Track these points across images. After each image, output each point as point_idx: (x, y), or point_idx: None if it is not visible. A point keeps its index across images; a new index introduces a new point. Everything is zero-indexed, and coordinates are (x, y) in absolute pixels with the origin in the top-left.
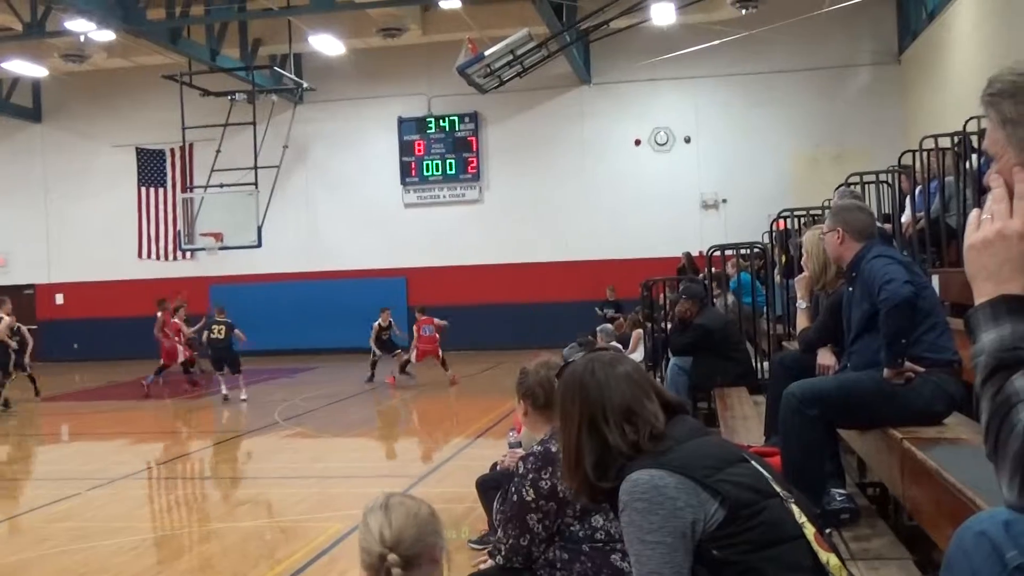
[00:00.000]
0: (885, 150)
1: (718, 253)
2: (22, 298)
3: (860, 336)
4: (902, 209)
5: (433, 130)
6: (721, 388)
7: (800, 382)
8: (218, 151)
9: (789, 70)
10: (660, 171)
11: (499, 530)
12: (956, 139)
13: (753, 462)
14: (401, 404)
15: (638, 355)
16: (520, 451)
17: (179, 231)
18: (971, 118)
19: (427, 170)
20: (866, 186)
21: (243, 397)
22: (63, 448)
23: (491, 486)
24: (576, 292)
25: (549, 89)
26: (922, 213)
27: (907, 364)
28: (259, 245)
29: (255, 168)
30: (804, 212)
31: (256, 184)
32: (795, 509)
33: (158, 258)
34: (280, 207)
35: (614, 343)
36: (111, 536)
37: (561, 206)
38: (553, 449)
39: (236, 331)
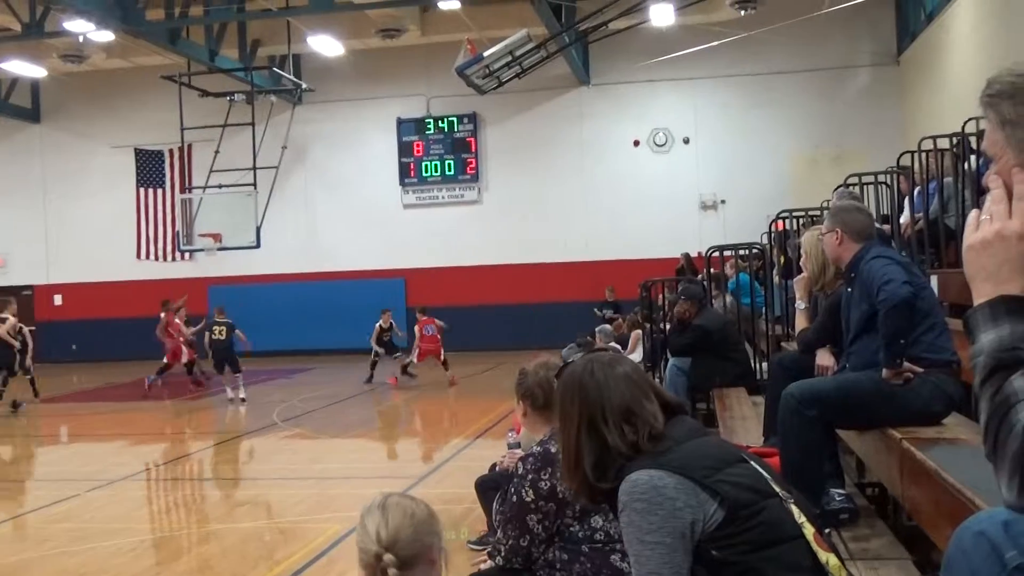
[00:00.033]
0: (884, 151)
1: (717, 254)
2: (20, 299)
3: (859, 337)
4: (901, 210)
5: (432, 131)
6: (720, 389)
7: (799, 383)
8: (217, 152)
9: (788, 71)
10: (659, 172)
11: (499, 531)
12: (955, 140)
13: (752, 462)
14: (400, 405)
15: (637, 356)
16: (519, 452)
17: (178, 232)
18: (970, 119)
19: (426, 171)
20: (865, 187)
21: (242, 396)
22: (62, 449)
23: (490, 487)
24: (575, 293)
25: (548, 90)
26: (921, 214)
27: (906, 364)
28: (258, 246)
29: (254, 169)
30: (803, 213)
31: (255, 185)
32: (794, 509)
33: (157, 259)
34: (279, 208)
35: (613, 344)
36: (110, 537)
37: (560, 207)
38: (552, 450)
39: (237, 332)
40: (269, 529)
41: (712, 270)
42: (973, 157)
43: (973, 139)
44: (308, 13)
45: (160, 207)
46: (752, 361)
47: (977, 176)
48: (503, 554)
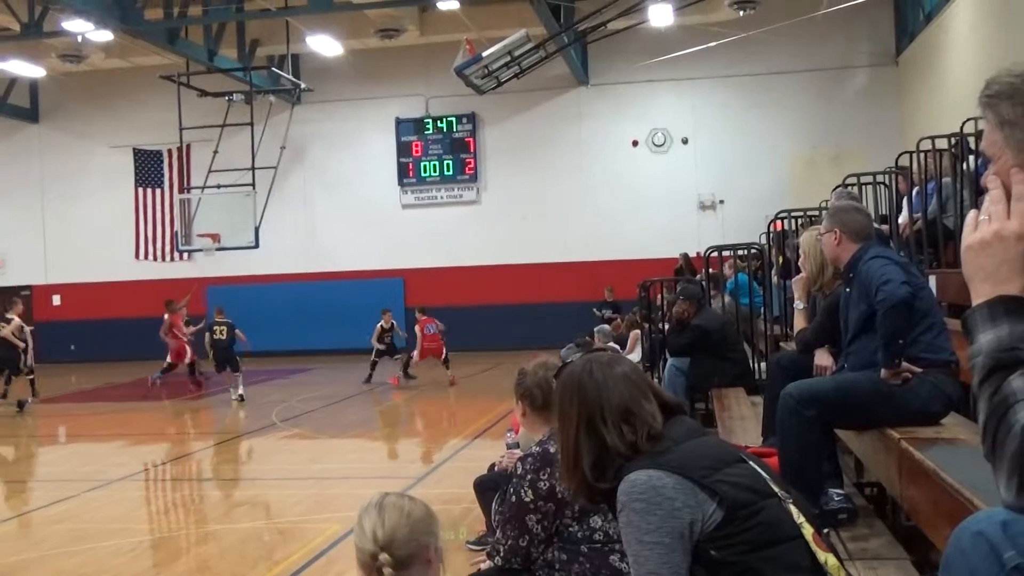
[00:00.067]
0: (882, 151)
1: (715, 254)
2: (9, 298)
3: (857, 337)
4: (899, 210)
5: (431, 131)
6: (719, 389)
7: (797, 383)
8: (215, 152)
9: (787, 71)
10: (657, 172)
11: (498, 531)
12: (953, 140)
13: (751, 462)
14: (399, 405)
15: (636, 356)
16: (518, 452)
17: (176, 232)
18: (968, 119)
19: (425, 171)
20: (863, 187)
21: (240, 392)
22: (60, 449)
23: (489, 487)
24: (574, 293)
25: (547, 90)
26: (919, 214)
27: (904, 365)
28: (256, 246)
29: (252, 169)
30: (801, 213)
31: (253, 185)
32: (793, 509)
33: (155, 259)
34: (277, 208)
35: (611, 344)
36: (109, 538)
37: (559, 207)
38: (551, 450)
39: (237, 331)
40: (268, 529)
41: (711, 270)
42: (972, 157)
43: (972, 139)
44: (307, 13)
45: (159, 207)
46: (751, 361)
47: (975, 176)
48: (502, 554)
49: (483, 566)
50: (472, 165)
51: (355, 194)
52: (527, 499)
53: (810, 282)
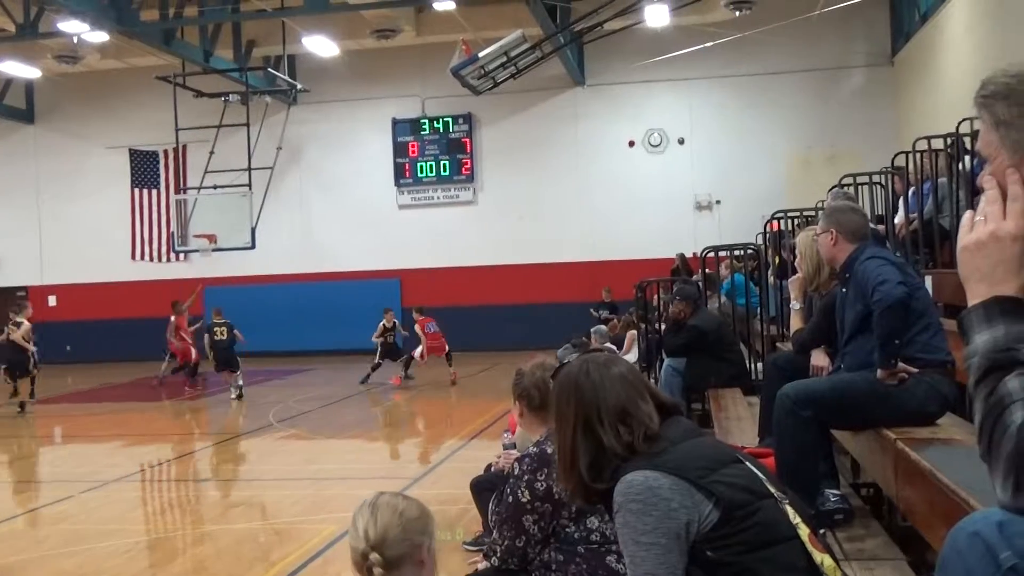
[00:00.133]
0: (878, 151)
1: (712, 254)
2: (15, 300)
3: (854, 337)
4: (895, 210)
5: (427, 131)
6: (715, 389)
7: (794, 383)
8: (211, 152)
9: (783, 72)
10: (654, 172)
11: (494, 531)
12: (949, 140)
13: (747, 463)
14: (396, 406)
15: (632, 356)
16: (515, 452)
17: (172, 233)
18: (964, 119)
19: (421, 171)
20: (859, 187)
21: (240, 382)
22: (57, 450)
23: (485, 487)
24: (571, 293)
25: (543, 90)
26: (915, 214)
27: (900, 365)
28: (253, 247)
29: (249, 169)
30: (798, 213)
31: (250, 185)
32: (789, 510)
33: (151, 260)
34: (274, 208)
35: (608, 344)
36: (105, 539)
37: (555, 207)
38: (549, 450)
39: (235, 331)
40: (264, 530)
41: (707, 270)
42: (967, 157)
43: (967, 139)
44: (303, 14)
45: (155, 208)
46: (747, 361)
47: (971, 176)
48: (499, 555)
49: (480, 566)
50: (468, 165)
51: (351, 195)
52: (524, 500)
53: (806, 282)
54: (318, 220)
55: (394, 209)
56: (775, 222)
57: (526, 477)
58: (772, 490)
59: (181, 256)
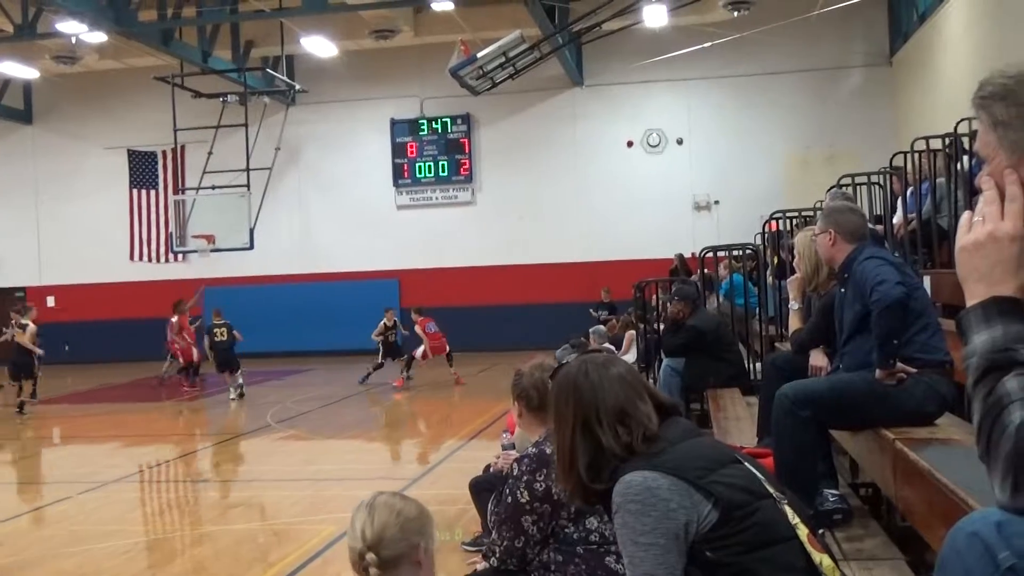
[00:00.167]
0: (876, 151)
1: (710, 254)
2: (13, 301)
3: (852, 337)
4: (894, 210)
5: (425, 132)
6: (714, 389)
7: (792, 383)
8: (210, 153)
9: (781, 72)
10: (653, 173)
11: (493, 532)
12: (947, 141)
13: (746, 463)
14: (395, 406)
15: (631, 356)
16: (514, 453)
17: (171, 233)
18: (962, 120)
19: (420, 172)
20: (858, 187)
21: (240, 381)
22: (56, 451)
23: (484, 488)
24: (570, 294)
25: (541, 91)
26: (913, 214)
27: (899, 365)
28: (251, 247)
29: (247, 170)
30: (796, 213)
31: (248, 186)
32: (788, 510)
33: (150, 260)
34: (272, 209)
35: (607, 344)
36: (104, 539)
37: (554, 208)
38: (548, 451)
39: (235, 332)
40: (263, 531)
41: (706, 271)
42: (965, 157)
43: (965, 139)
44: (301, 14)
45: (153, 208)
46: (746, 362)
47: (970, 176)
48: (498, 555)
49: (479, 567)
50: (467, 166)
51: (350, 195)
52: (523, 500)
53: (805, 283)
54: (316, 221)
55: (392, 210)
56: (773, 222)
57: (525, 478)
58: (771, 490)
59: (179, 257)
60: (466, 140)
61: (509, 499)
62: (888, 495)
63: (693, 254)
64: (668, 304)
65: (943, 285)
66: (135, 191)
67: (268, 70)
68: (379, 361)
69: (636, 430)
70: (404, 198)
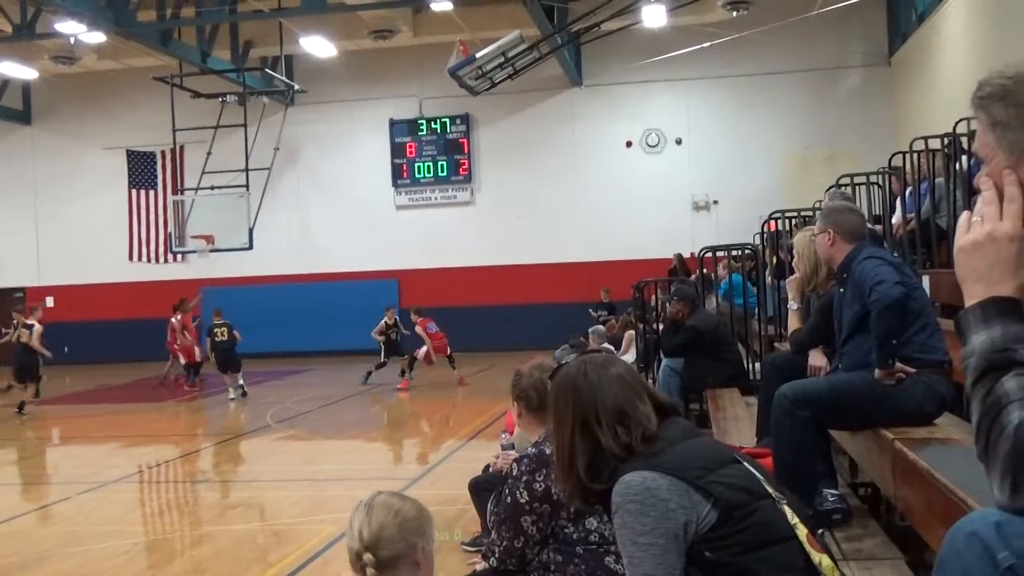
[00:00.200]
0: (875, 151)
1: (709, 254)
2: (12, 301)
3: (851, 337)
4: (893, 210)
5: (424, 132)
6: (713, 389)
7: (791, 383)
8: (209, 153)
9: (780, 72)
10: (651, 173)
11: (493, 532)
12: (946, 140)
13: (745, 463)
14: (394, 406)
15: (630, 357)
16: (513, 453)
17: (170, 234)
18: (961, 120)
19: (419, 172)
20: (857, 187)
21: (241, 382)
22: (55, 451)
23: (484, 488)
24: (569, 294)
25: (540, 91)
26: (912, 214)
27: (898, 365)
28: (250, 247)
29: (246, 170)
30: (795, 213)
31: (247, 186)
32: (787, 510)
33: (149, 261)
34: (271, 209)
35: (606, 344)
36: (103, 540)
37: (553, 208)
38: (547, 451)
39: (234, 332)
40: (263, 531)
41: (705, 271)
42: (964, 157)
43: (964, 139)
44: (300, 14)
45: (152, 209)
46: (745, 362)
47: (968, 176)
48: (497, 555)
49: (478, 567)
50: (466, 166)
51: (349, 195)
52: (522, 500)
53: (804, 282)
54: (316, 221)
55: (392, 210)
56: (772, 222)
57: (524, 478)
58: (770, 490)
59: (178, 257)
60: (465, 140)
61: (508, 499)
62: (887, 495)
63: (692, 254)
64: (667, 304)
65: (942, 285)
66: (134, 191)
67: (267, 70)
68: (382, 360)
69: (635, 430)
70: (403, 198)
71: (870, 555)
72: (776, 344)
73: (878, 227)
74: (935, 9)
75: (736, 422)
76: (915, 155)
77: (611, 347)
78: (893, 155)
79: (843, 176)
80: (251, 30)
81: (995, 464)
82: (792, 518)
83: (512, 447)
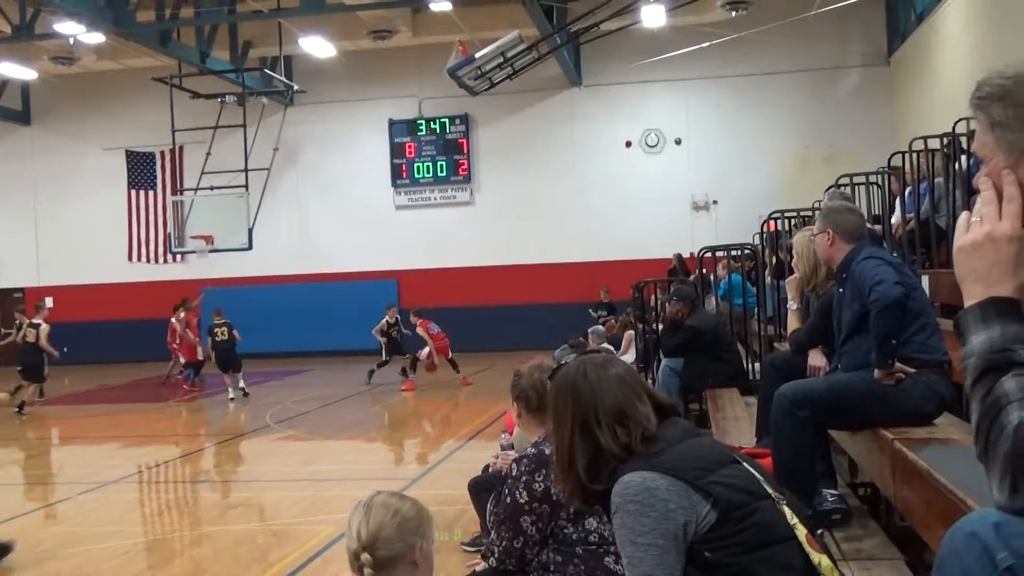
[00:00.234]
0: (875, 151)
1: (709, 254)
2: (12, 301)
3: (851, 337)
4: (892, 210)
5: (424, 132)
6: (712, 389)
7: (791, 383)
8: (208, 153)
9: (779, 72)
10: (651, 173)
11: (492, 532)
12: (945, 140)
13: (744, 463)
14: (394, 406)
15: (630, 357)
16: (512, 453)
17: (169, 234)
18: (960, 119)
19: (418, 172)
20: (856, 187)
21: (242, 385)
22: (54, 452)
23: (483, 488)
24: (568, 294)
25: (540, 91)
26: (912, 214)
27: (897, 365)
28: (250, 248)
29: (245, 170)
30: (795, 213)
31: (247, 186)
32: (787, 510)
33: (148, 261)
34: (271, 209)
35: (605, 345)
36: (103, 540)
37: (552, 208)
38: (547, 451)
39: (234, 331)
40: (262, 531)
41: (704, 271)
42: (964, 157)
43: (964, 139)
44: (299, 15)
45: (151, 209)
46: (744, 362)
47: (968, 176)
48: (497, 555)
49: (478, 567)
50: (465, 166)
51: (348, 195)
52: (522, 501)
53: (803, 282)
54: (315, 221)
55: (391, 210)
56: (772, 222)
57: (524, 478)
58: (770, 490)
59: (178, 257)
60: (464, 140)
61: (508, 499)
62: (887, 495)
63: (692, 254)
64: (667, 304)
65: (941, 285)
66: (133, 192)
67: (266, 70)
68: (384, 359)
69: (635, 431)
70: (403, 198)
71: (869, 555)
72: (775, 344)
73: (877, 227)
74: (934, 9)
75: (735, 422)
76: (914, 155)
77: (611, 347)
78: (892, 155)
79: (842, 176)
80: (250, 30)
81: (994, 464)
82: (791, 518)
83: (512, 447)
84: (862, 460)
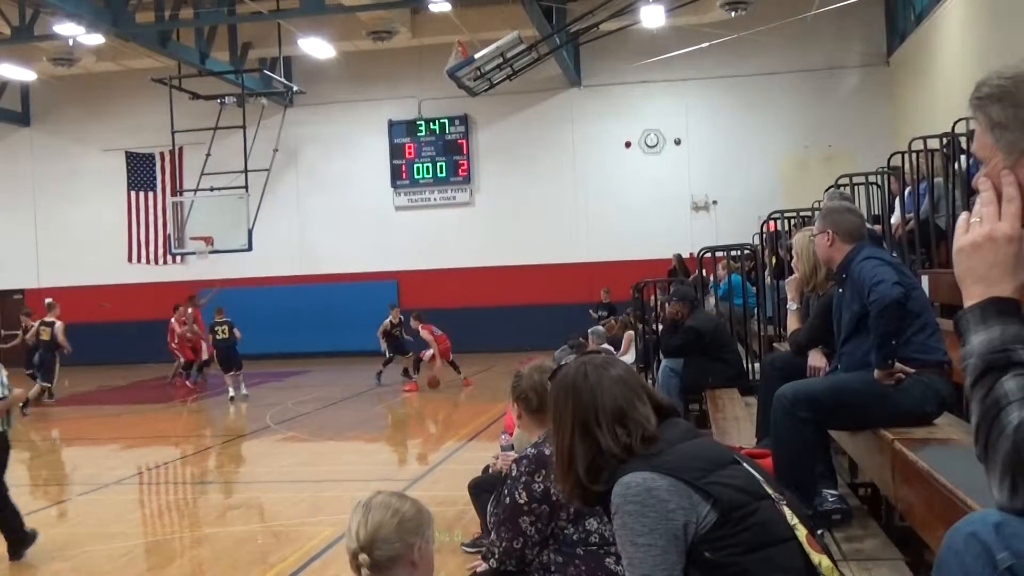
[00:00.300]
0: (874, 152)
1: (709, 255)
2: (11, 302)
3: (850, 337)
4: (891, 210)
5: (423, 133)
6: (712, 390)
7: (791, 384)
8: (208, 155)
9: (779, 72)
10: (651, 173)
11: (492, 533)
12: (945, 140)
13: (744, 464)
14: (394, 407)
15: (629, 357)
16: (512, 454)
17: (169, 235)
18: (960, 119)
19: (418, 173)
20: (855, 187)
21: (244, 392)
22: (54, 453)
23: (483, 489)
24: (568, 294)
25: (539, 92)
26: (911, 214)
27: (897, 365)
28: (249, 249)
29: (245, 171)
30: (794, 214)
31: (246, 187)
32: (787, 511)
33: (148, 262)
34: (270, 210)
35: (605, 345)
36: (103, 542)
37: (552, 208)
38: (547, 452)
39: (235, 330)
40: (262, 532)
41: (704, 271)
42: (963, 157)
43: (963, 139)
44: (299, 15)
45: (151, 210)
46: (744, 362)
47: (967, 176)
48: (497, 556)
49: (478, 568)
50: (465, 167)
51: (348, 196)
52: (521, 501)
53: (803, 283)
54: (315, 222)
55: (391, 211)
56: (772, 222)
57: (524, 479)
58: (770, 491)
59: (178, 258)
60: (464, 141)
61: (508, 500)
62: (887, 495)
63: (691, 254)
64: (666, 305)
65: (941, 285)
66: (133, 193)
67: (266, 71)
68: (387, 357)
69: (635, 431)
70: (402, 199)
71: (869, 556)
72: (775, 344)
73: (877, 227)
74: (933, 9)
75: (735, 423)
76: (914, 155)
77: (611, 348)
78: (892, 155)
79: (842, 176)
80: (250, 31)
81: (994, 464)
82: (792, 519)
83: (511, 448)
84: (862, 460)
